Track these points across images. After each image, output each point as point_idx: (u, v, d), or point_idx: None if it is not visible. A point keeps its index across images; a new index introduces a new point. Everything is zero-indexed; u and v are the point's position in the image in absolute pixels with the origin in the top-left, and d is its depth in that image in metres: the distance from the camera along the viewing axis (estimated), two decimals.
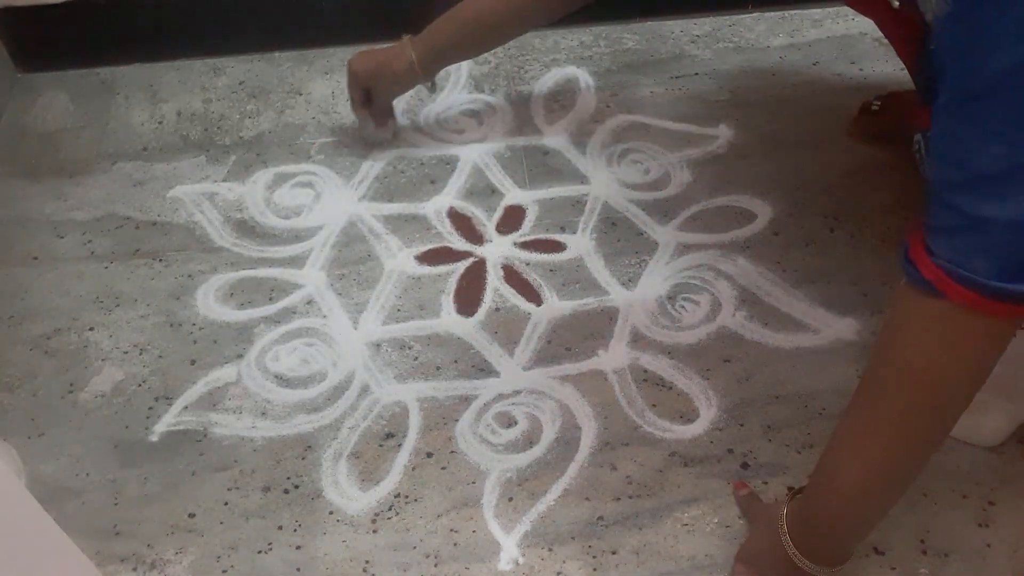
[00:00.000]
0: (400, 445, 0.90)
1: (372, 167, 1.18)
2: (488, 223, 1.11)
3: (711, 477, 0.86)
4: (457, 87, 1.29)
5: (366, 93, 1.13)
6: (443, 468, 0.88)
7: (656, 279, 1.03)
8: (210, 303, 1.03)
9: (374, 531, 0.84)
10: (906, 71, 1.27)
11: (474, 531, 0.83)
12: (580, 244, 1.08)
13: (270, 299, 1.03)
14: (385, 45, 1.13)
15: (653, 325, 0.99)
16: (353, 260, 1.07)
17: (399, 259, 1.07)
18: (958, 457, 0.86)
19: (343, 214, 1.12)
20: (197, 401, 0.94)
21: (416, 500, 0.86)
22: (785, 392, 0.93)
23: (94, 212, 1.14)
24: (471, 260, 1.07)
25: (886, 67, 1.27)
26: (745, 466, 0.87)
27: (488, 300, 1.02)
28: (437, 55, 1.10)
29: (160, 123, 1.25)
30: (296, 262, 1.07)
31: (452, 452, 0.89)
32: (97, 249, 1.09)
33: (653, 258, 1.05)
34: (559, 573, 0.80)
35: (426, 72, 1.11)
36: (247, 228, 1.11)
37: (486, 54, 1.33)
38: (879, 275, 1.02)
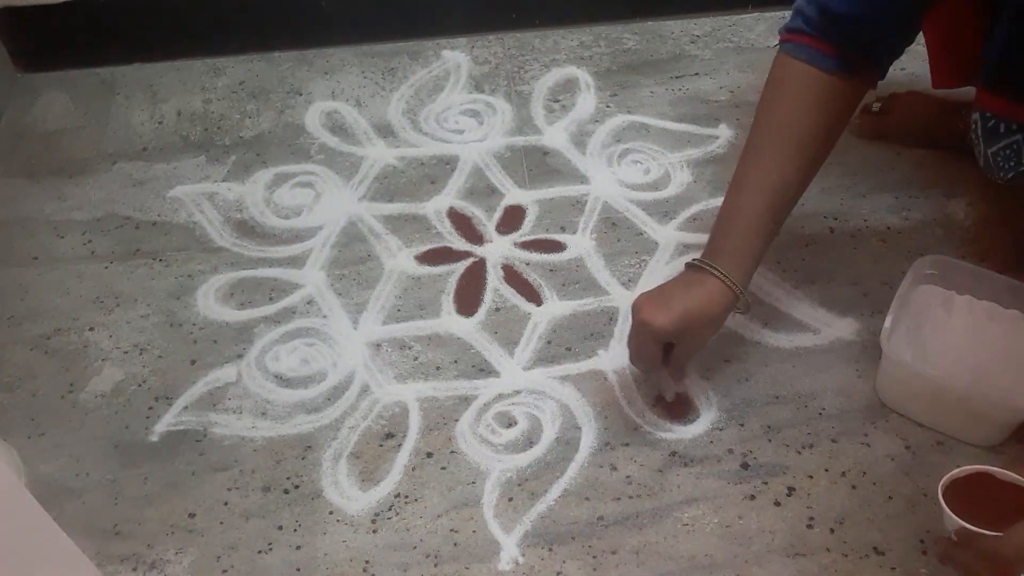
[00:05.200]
0: (400, 445, 0.90)
1: (372, 167, 1.18)
2: (488, 223, 1.11)
3: (711, 477, 0.86)
4: (457, 87, 1.29)
5: (667, 347, 0.85)
6: (443, 468, 0.88)
7: (656, 279, 1.03)
8: (210, 303, 1.03)
9: (374, 531, 0.84)
10: (905, 71, 1.27)
11: (474, 531, 0.83)
12: (580, 244, 1.08)
13: (270, 299, 1.03)
14: (662, 281, 0.88)
15: None
16: (353, 260, 1.07)
17: (399, 259, 1.07)
18: (958, 457, 0.86)
19: (343, 214, 1.12)
20: (197, 401, 0.94)
21: (416, 500, 0.86)
22: (785, 392, 0.93)
23: (94, 212, 1.14)
24: (471, 260, 1.07)
25: None
26: (745, 466, 0.87)
27: (488, 300, 1.02)
28: (754, 266, 0.86)
29: (160, 123, 1.25)
30: (296, 262, 1.07)
31: (452, 452, 0.89)
32: (97, 249, 1.09)
33: (653, 258, 1.05)
34: (559, 573, 0.80)
35: (745, 294, 0.85)
36: (247, 228, 1.11)
37: (486, 54, 1.33)
38: (879, 275, 1.02)
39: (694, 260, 0.85)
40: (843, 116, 0.86)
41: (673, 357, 0.86)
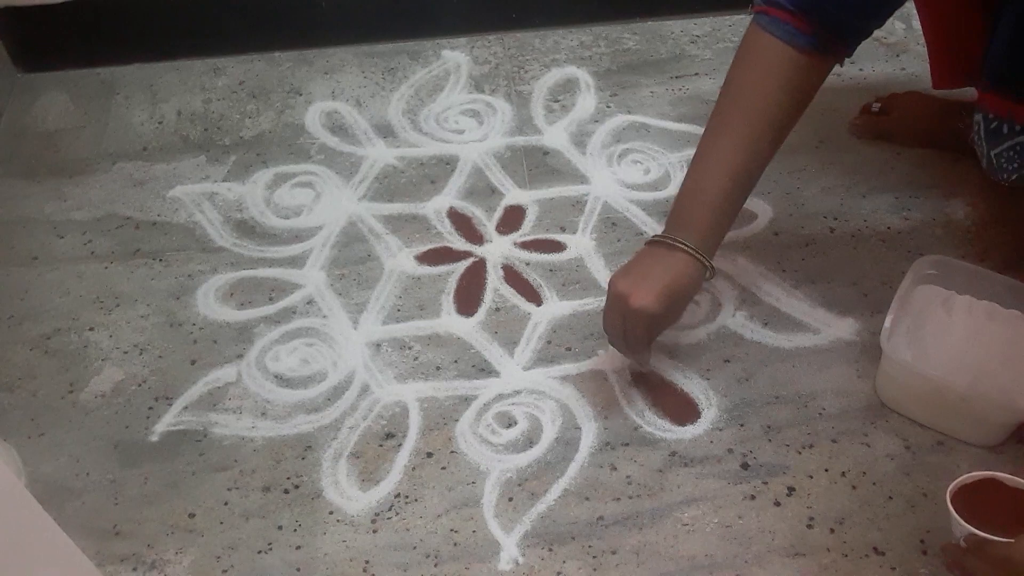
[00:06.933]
0: (400, 445, 0.90)
1: (372, 167, 1.18)
2: (488, 223, 1.11)
3: (711, 477, 0.86)
4: (457, 87, 1.29)
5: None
6: (443, 468, 0.88)
7: None
8: (210, 303, 1.03)
9: (374, 531, 0.84)
10: (905, 71, 1.27)
11: (474, 531, 0.83)
12: (580, 244, 1.08)
13: (270, 299, 1.03)
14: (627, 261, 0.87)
15: None
16: (353, 260, 1.07)
17: (399, 259, 1.07)
18: (958, 457, 0.86)
19: (343, 214, 1.12)
20: (197, 401, 0.94)
21: (416, 500, 0.86)
22: (785, 392, 0.93)
23: (94, 212, 1.14)
24: (471, 260, 1.07)
25: (886, 67, 1.27)
26: (745, 466, 0.87)
27: (488, 300, 1.02)
28: (719, 240, 0.87)
29: (160, 123, 1.25)
30: (296, 262, 1.07)
31: (452, 452, 0.89)
32: (97, 249, 1.09)
33: None
34: (559, 573, 0.80)
35: (712, 266, 0.86)
36: (247, 228, 1.11)
37: (486, 54, 1.33)
38: (879, 275, 1.02)
39: (661, 236, 0.85)
40: (812, 92, 0.86)
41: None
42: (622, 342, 0.87)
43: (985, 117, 0.90)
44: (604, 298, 1.01)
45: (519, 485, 0.87)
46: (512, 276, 1.05)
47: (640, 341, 0.85)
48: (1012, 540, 0.68)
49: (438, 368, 0.96)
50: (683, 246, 0.83)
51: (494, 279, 1.05)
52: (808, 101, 0.87)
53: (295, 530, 0.84)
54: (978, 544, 0.70)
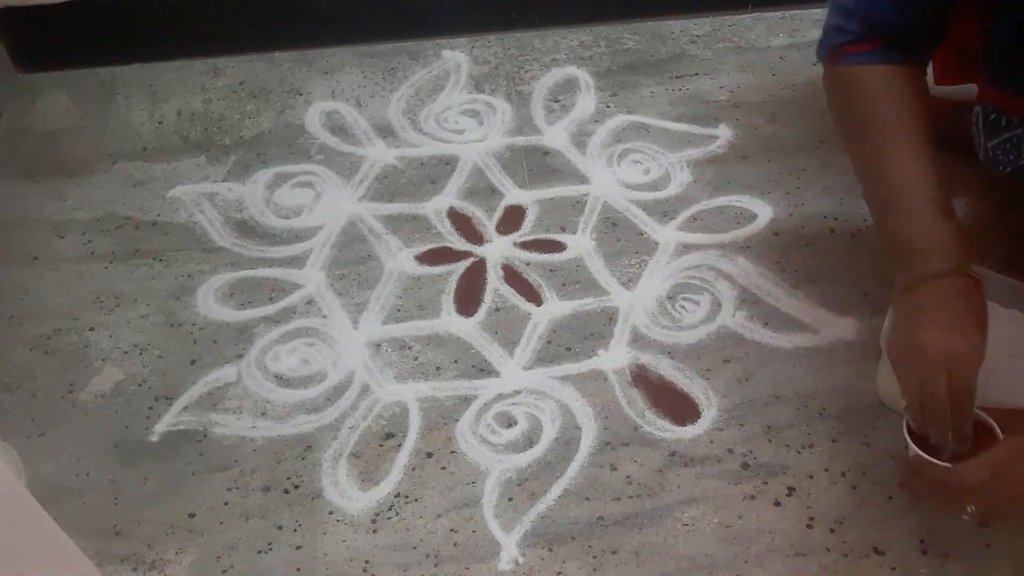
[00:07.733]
0: (400, 445, 0.90)
1: (372, 167, 1.18)
2: (488, 223, 1.11)
3: (711, 477, 0.86)
4: (457, 87, 1.29)
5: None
6: (443, 468, 0.88)
7: (656, 279, 1.03)
8: (210, 303, 1.03)
9: (374, 531, 0.84)
10: None
11: (474, 531, 0.83)
12: (580, 244, 1.08)
13: (270, 299, 1.03)
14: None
15: (653, 325, 0.99)
16: (353, 260, 1.07)
17: (399, 259, 1.07)
18: None
19: (343, 214, 1.12)
20: (197, 401, 0.94)
21: (416, 500, 0.86)
22: (785, 392, 0.93)
23: (94, 212, 1.14)
24: (471, 260, 1.07)
25: None
26: (745, 466, 0.87)
27: (488, 300, 1.02)
28: (969, 246, 0.79)
29: (160, 123, 1.25)
30: (296, 262, 1.07)
31: (452, 452, 0.89)
32: (97, 249, 1.09)
33: (653, 258, 1.05)
34: (559, 573, 0.80)
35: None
36: (247, 228, 1.11)
37: (486, 54, 1.33)
38: (879, 275, 1.02)
39: (913, 279, 0.76)
40: (926, 97, 0.83)
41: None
42: (950, 411, 0.73)
43: (984, 109, 0.90)
44: (603, 298, 1.02)
45: (519, 485, 0.87)
46: (512, 276, 1.05)
47: (972, 392, 0.73)
48: (949, 466, 0.72)
49: (438, 368, 0.96)
50: (944, 269, 0.74)
51: (494, 279, 1.05)
52: (928, 106, 0.82)
53: (295, 530, 0.84)
54: (921, 465, 0.74)
